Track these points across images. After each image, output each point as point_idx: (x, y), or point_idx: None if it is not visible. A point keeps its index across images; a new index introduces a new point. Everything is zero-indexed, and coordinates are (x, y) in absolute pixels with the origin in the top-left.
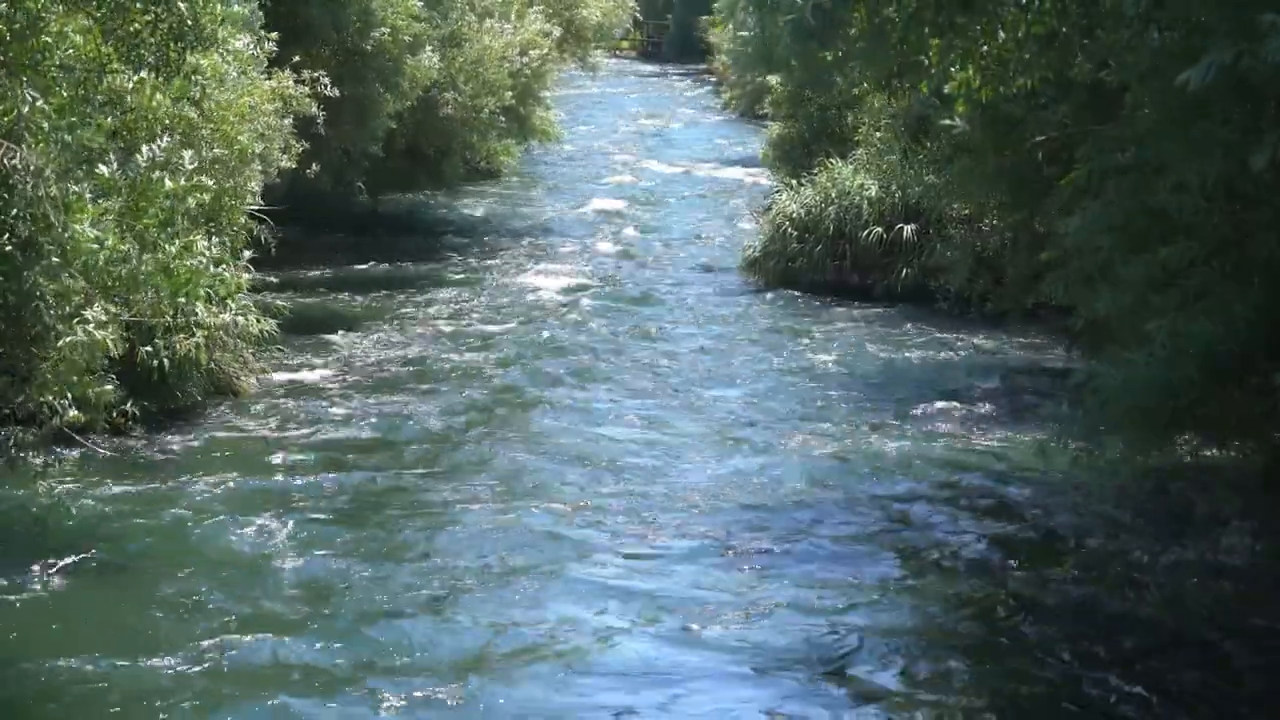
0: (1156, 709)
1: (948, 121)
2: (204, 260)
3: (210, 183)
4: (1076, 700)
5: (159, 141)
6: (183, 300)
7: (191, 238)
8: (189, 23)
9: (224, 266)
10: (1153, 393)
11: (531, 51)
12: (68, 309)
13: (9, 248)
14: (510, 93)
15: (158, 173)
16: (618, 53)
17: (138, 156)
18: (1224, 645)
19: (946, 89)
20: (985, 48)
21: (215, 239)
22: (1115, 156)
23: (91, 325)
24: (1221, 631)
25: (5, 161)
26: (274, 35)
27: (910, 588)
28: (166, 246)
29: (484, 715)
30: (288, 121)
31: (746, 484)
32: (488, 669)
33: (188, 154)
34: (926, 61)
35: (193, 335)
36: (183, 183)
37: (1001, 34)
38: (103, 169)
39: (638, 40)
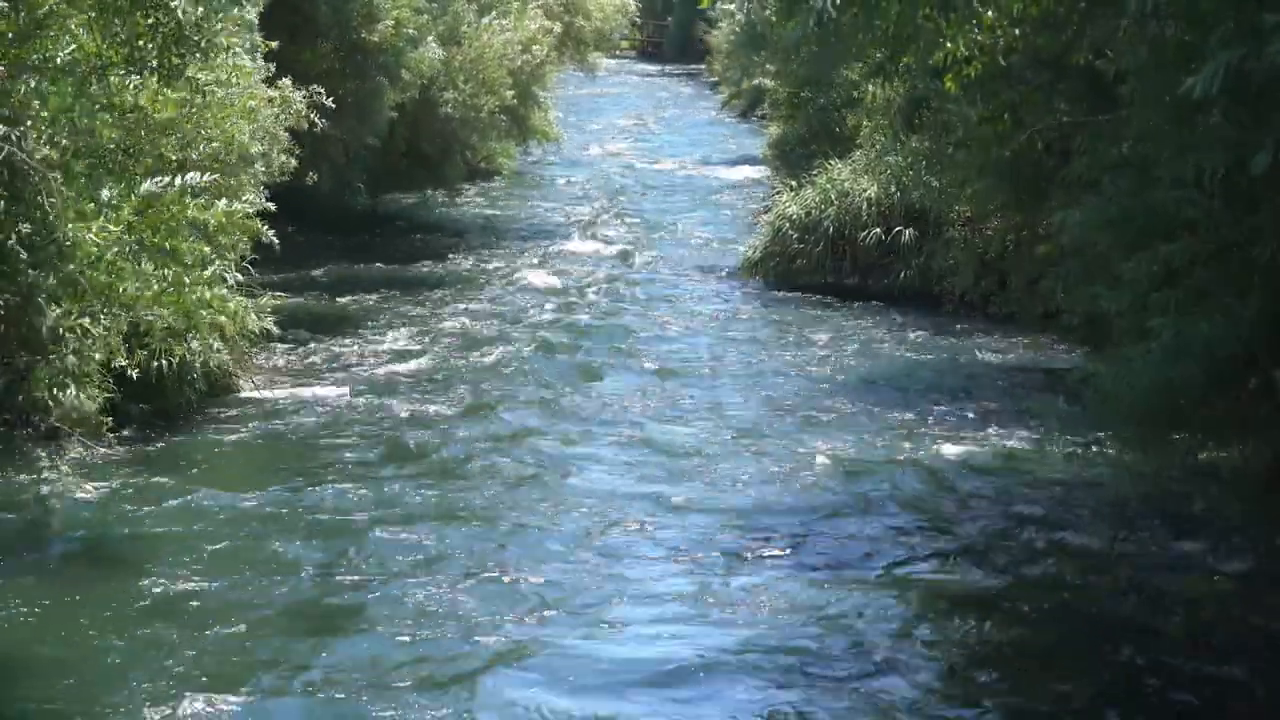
0: (1157, 710)
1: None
2: (214, 291)
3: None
4: (1078, 700)
5: (196, 175)
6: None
7: (205, 266)
8: (188, 29)
9: (230, 295)
10: (1153, 392)
11: (533, 48)
12: (72, 310)
13: (12, 244)
14: (510, 91)
15: (185, 197)
16: (617, 53)
17: (174, 181)
18: (1225, 646)
19: (931, 60)
20: (978, 26)
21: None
22: (1113, 151)
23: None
24: (1223, 632)
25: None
26: (274, 44)
27: (910, 588)
28: (174, 267)
29: (480, 713)
30: (285, 135)
31: (746, 484)
32: (490, 669)
33: (221, 202)
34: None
35: (189, 342)
36: (203, 205)
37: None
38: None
39: (637, 40)
